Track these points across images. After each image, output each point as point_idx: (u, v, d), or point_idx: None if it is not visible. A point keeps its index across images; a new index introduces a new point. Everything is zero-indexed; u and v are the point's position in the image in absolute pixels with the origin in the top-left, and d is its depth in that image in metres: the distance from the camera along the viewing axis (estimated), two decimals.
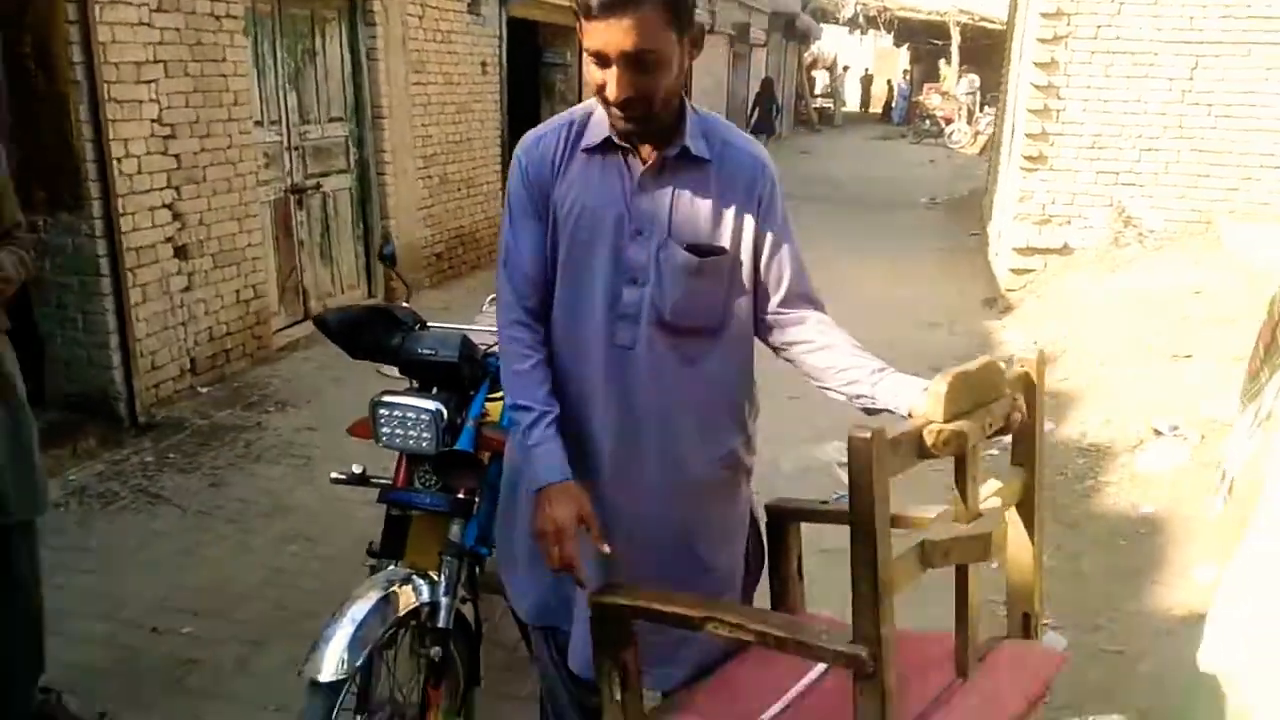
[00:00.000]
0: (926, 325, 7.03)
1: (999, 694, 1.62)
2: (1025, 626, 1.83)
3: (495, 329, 1.98)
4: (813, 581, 2.16)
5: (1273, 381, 3.40)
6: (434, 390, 2.43)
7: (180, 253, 5.19)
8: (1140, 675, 2.86)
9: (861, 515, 1.34)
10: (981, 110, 24.66)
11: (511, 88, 9.19)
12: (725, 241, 1.80)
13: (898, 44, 35.19)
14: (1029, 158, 7.68)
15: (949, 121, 26.29)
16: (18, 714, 2.56)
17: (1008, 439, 1.76)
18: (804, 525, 2.08)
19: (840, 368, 1.79)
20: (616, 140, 1.76)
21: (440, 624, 2.20)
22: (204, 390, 5.32)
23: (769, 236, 1.83)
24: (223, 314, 5.58)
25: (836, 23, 31.87)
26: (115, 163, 4.67)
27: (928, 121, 27.86)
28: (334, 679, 1.96)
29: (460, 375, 2.42)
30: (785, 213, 1.87)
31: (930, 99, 29.44)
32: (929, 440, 1.47)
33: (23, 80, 4.48)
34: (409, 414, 2.34)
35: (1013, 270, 7.96)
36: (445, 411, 2.34)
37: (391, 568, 2.29)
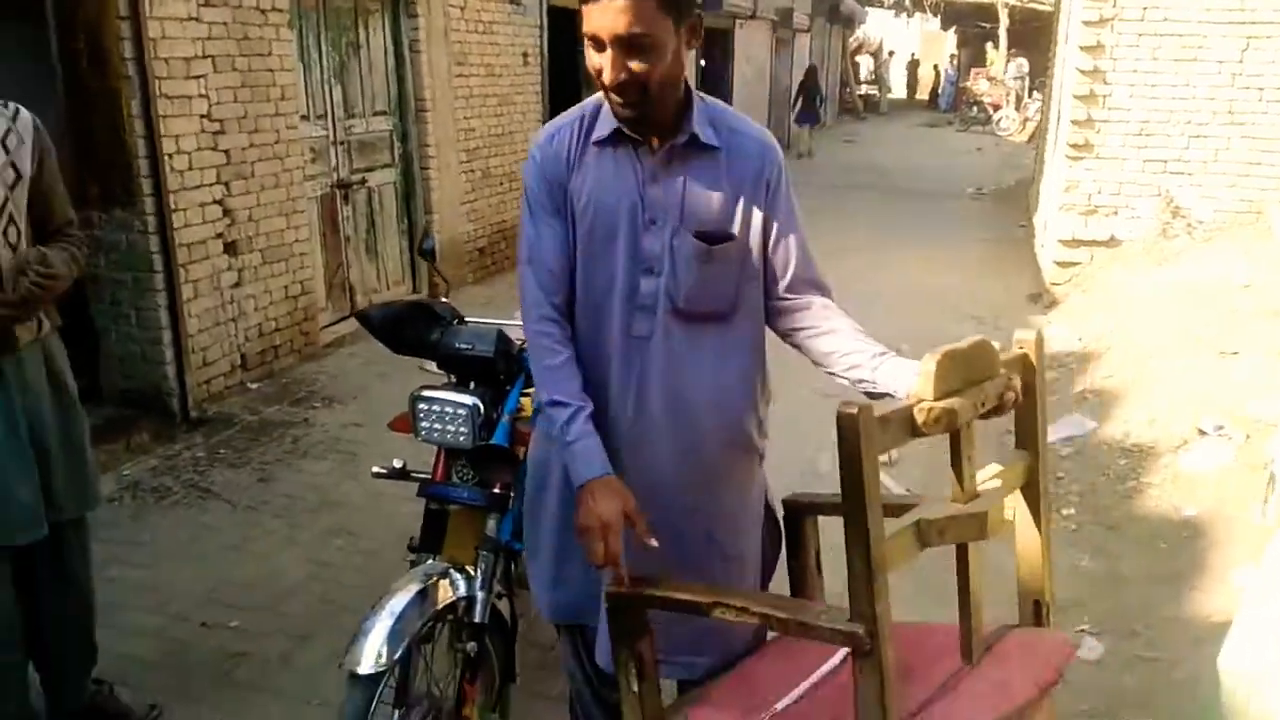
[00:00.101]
0: (969, 319, 6.96)
1: (1008, 681, 1.62)
2: (1037, 614, 1.83)
3: None
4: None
5: None
6: (471, 385, 2.48)
7: (230, 249, 5.29)
8: (1176, 683, 2.83)
9: (851, 491, 1.36)
10: (1031, 96, 24.23)
11: (553, 78, 9.22)
12: (735, 227, 1.82)
13: (945, 27, 34.72)
14: (1075, 145, 7.54)
15: (997, 108, 25.89)
16: (71, 705, 2.65)
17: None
18: (825, 521, 2.09)
19: (843, 352, 1.82)
20: (625, 131, 1.78)
21: (476, 618, 2.24)
22: (253, 386, 5.43)
23: (776, 222, 1.86)
24: (271, 310, 5.68)
25: (882, 6, 31.49)
26: (167, 158, 4.76)
27: (975, 108, 27.48)
28: (373, 671, 2.01)
29: (496, 370, 2.46)
30: (793, 199, 1.90)
31: (978, 84, 29.01)
32: (919, 418, 1.49)
33: (76, 78, 4.59)
34: (446, 409, 2.40)
35: (1058, 263, 7.83)
36: (481, 406, 2.39)
37: (430, 562, 2.34)
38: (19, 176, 2.27)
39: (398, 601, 2.11)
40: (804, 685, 1.68)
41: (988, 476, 1.66)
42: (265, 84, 5.48)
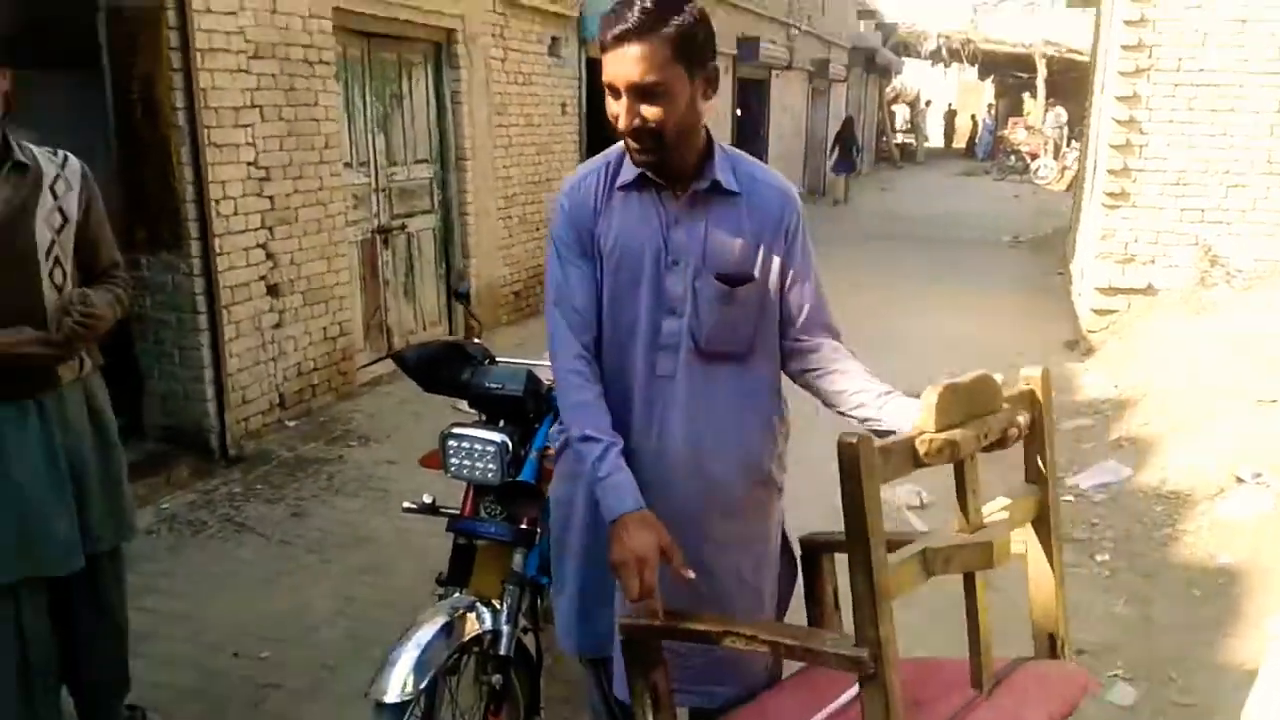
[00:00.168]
0: (1004, 366, 6.88)
1: (1019, 712, 1.62)
2: (1052, 648, 1.83)
3: None
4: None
5: None
6: (500, 423, 2.53)
7: (272, 291, 5.43)
8: None
9: (853, 519, 1.39)
10: (1069, 145, 24.20)
11: (590, 128, 9.39)
12: (756, 270, 1.88)
13: (982, 77, 34.85)
14: (1111, 194, 7.53)
15: (1034, 157, 25.88)
16: None
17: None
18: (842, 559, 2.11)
19: (852, 391, 1.88)
20: (650, 175, 1.84)
21: (502, 651, 2.26)
22: (291, 424, 5.53)
23: (793, 267, 1.91)
24: (310, 350, 5.80)
25: (918, 56, 31.71)
26: (213, 204, 4.91)
27: (1012, 157, 27.46)
28: (398, 700, 2.03)
29: (525, 409, 2.51)
30: (809, 245, 1.95)
31: (1015, 133, 29.02)
32: (921, 449, 1.52)
33: (129, 126, 4.76)
34: (476, 445, 2.44)
35: (1095, 311, 7.78)
36: (510, 444, 2.43)
37: (456, 595, 2.38)
38: (66, 221, 2.37)
39: (424, 633, 2.15)
40: (821, 715, 1.69)
41: (996, 509, 1.68)
42: (310, 133, 5.65)
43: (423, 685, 2.08)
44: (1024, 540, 1.77)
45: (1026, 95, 31.16)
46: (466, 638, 2.22)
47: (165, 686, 3.04)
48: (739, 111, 15.21)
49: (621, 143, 1.87)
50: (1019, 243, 14.12)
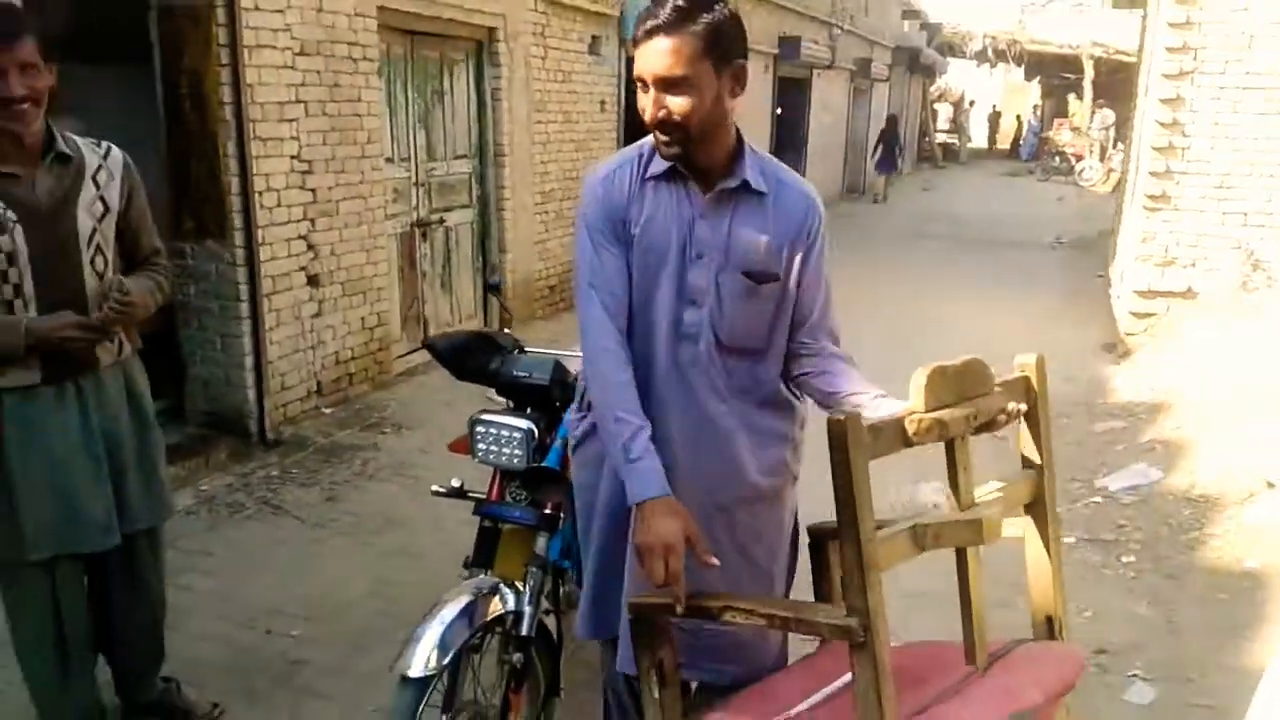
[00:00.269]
0: None
1: (1013, 687, 1.66)
2: (1050, 629, 1.87)
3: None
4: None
5: None
6: (527, 410, 2.60)
7: (312, 281, 5.55)
8: None
9: (843, 492, 1.44)
10: (1115, 147, 23.86)
11: (629, 125, 9.45)
12: (779, 269, 1.93)
13: (1028, 78, 34.41)
14: (1152, 197, 7.46)
15: (1079, 158, 25.53)
16: (141, 700, 2.82)
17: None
18: None
19: (847, 392, 1.92)
20: (680, 168, 1.89)
21: (523, 632, 2.33)
22: (327, 411, 5.66)
23: (810, 272, 1.97)
24: (349, 340, 5.92)
25: (963, 56, 31.41)
26: (257, 196, 5.03)
27: (1057, 158, 27.13)
28: (422, 674, 2.11)
29: (551, 397, 2.58)
30: (826, 252, 2.00)
31: (1061, 135, 28.66)
32: (910, 429, 1.58)
33: (178, 119, 4.90)
34: (503, 432, 2.52)
35: (1133, 314, 7.71)
36: (536, 430, 2.50)
37: (481, 576, 2.45)
38: (107, 210, 2.45)
39: (449, 611, 2.22)
40: (821, 694, 1.74)
41: (989, 492, 1.73)
42: (353, 128, 5.76)
43: (446, 661, 2.15)
44: (1024, 527, 1.81)
45: (1071, 96, 30.72)
46: (489, 617, 2.29)
47: (199, 661, 3.15)
48: (779, 110, 15.18)
49: (651, 135, 1.91)
50: (1060, 245, 13.97)
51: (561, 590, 2.72)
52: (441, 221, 7.04)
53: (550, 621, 2.53)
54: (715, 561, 1.77)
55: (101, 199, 2.44)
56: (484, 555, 2.55)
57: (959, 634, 1.73)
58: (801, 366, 2.02)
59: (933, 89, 31.84)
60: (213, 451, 4.89)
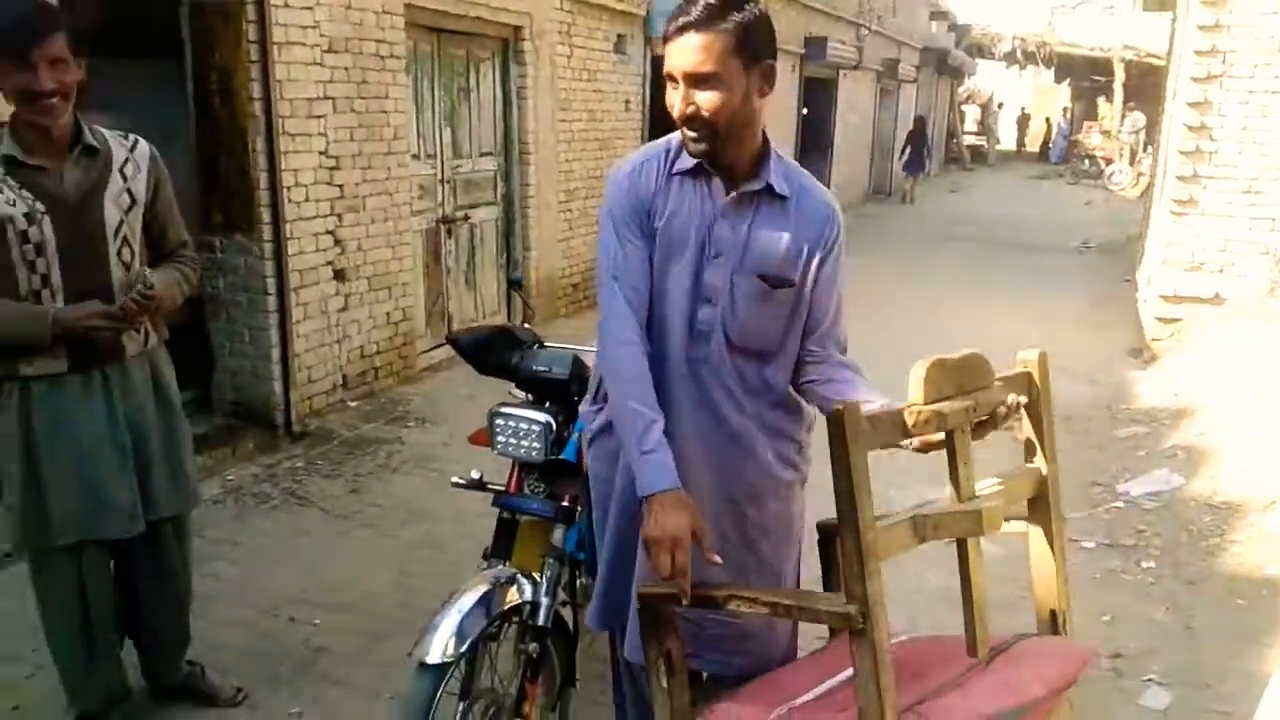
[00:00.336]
0: (1063, 372, 6.85)
1: (1015, 680, 1.68)
2: (1054, 624, 1.88)
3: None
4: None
5: None
6: (546, 404, 2.64)
7: (339, 276, 5.62)
8: None
9: (842, 482, 1.47)
10: (1146, 150, 23.63)
11: (653, 124, 9.48)
12: (795, 275, 1.94)
13: (1058, 80, 34.14)
14: (1179, 201, 7.40)
15: (1109, 162, 25.32)
16: (166, 682, 2.89)
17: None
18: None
19: (853, 400, 1.90)
20: (706, 166, 1.91)
21: (540, 622, 2.36)
22: (352, 404, 5.72)
23: (825, 280, 1.98)
24: (374, 334, 5.98)
25: (992, 58, 31.20)
26: (285, 190, 5.10)
27: (1087, 162, 26.92)
28: (440, 661, 2.14)
29: (570, 391, 2.62)
30: (841, 262, 2.01)
31: (1090, 138, 28.42)
32: (909, 420, 1.60)
33: (208, 114, 4.98)
34: (521, 425, 2.56)
35: (1159, 319, 7.66)
36: (554, 424, 2.54)
37: (499, 567, 2.49)
38: (134, 202, 2.49)
39: (466, 600, 2.25)
40: (825, 685, 1.77)
41: (990, 486, 1.75)
42: (380, 125, 5.83)
43: (463, 649, 2.17)
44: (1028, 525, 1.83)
45: (1101, 99, 30.44)
46: (506, 607, 2.31)
47: (224, 646, 3.20)
48: (804, 110, 15.16)
49: (680, 132, 1.93)
50: (1088, 249, 13.87)
51: (578, 582, 2.75)
52: (466, 218, 7.10)
53: (567, 613, 2.57)
54: (718, 560, 1.78)
55: (128, 191, 2.48)
56: (502, 546, 2.59)
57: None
58: (808, 374, 2.03)
59: (961, 90, 31.64)
60: (239, 442, 4.96)
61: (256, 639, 3.32)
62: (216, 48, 4.86)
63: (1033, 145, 36.08)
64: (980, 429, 1.73)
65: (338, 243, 5.58)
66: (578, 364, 2.63)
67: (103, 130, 2.50)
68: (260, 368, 5.18)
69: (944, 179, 24.97)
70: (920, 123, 19.99)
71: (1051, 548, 1.90)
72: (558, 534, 2.45)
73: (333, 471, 4.82)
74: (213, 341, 5.22)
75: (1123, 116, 26.51)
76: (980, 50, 30.16)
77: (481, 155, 7.21)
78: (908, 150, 19.55)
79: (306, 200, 5.31)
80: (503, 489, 2.64)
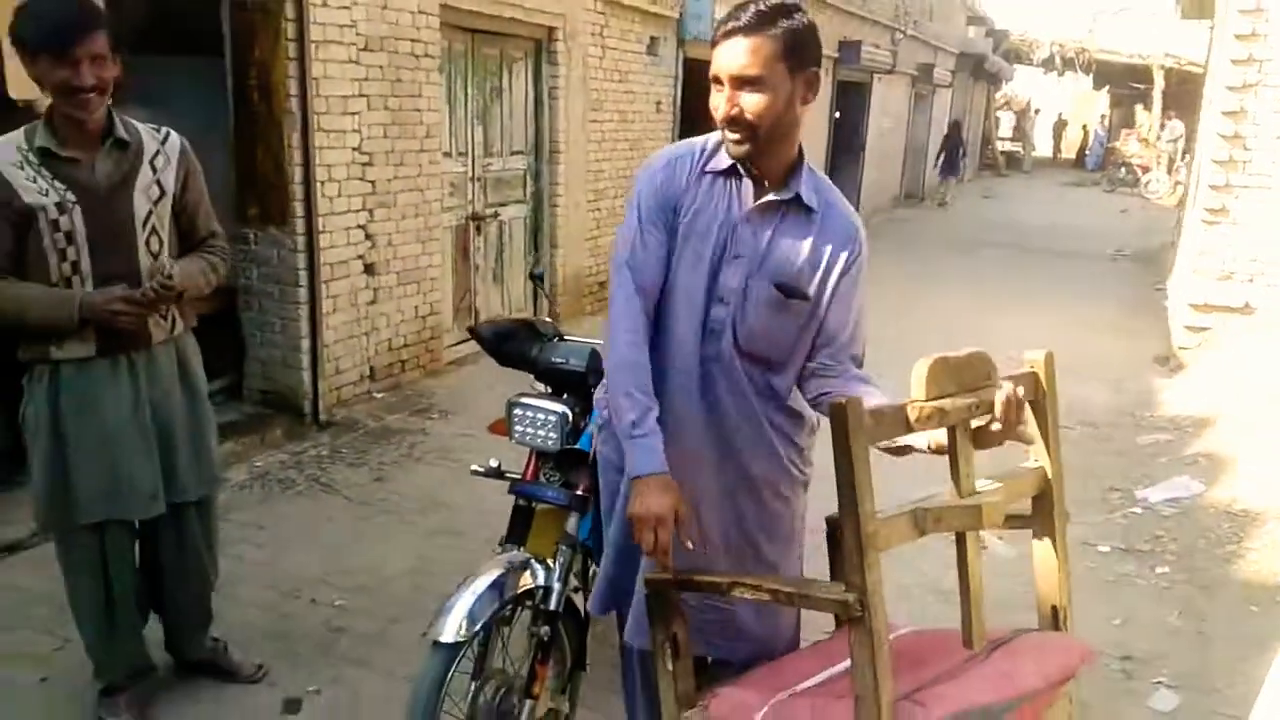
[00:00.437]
0: (1090, 379, 6.83)
1: (1013, 672, 1.72)
2: (1055, 620, 1.92)
3: None
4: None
5: None
6: (564, 395, 2.71)
7: (369, 269, 5.72)
8: None
9: (843, 473, 1.51)
10: (1183, 159, 23.34)
11: (684, 126, 9.53)
12: (812, 289, 1.98)
13: (1096, 87, 33.76)
14: (1211, 210, 7.35)
15: (1146, 170, 25.03)
16: (190, 656, 2.99)
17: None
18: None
19: None
20: (741, 168, 1.95)
21: (551, 606, 2.42)
22: (379, 395, 5.83)
23: (844, 296, 2.00)
24: (402, 328, 6.09)
25: (1030, 64, 30.92)
26: (319, 185, 5.20)
27: (1124, 169, 26.62)
28: (453, 641, 2.21)
29: (587, 383, 2.68)
30: (862, 281, 2.03)
31: (1128, 146, 28.10)
32: (911, 415, 1.64)
33: (246, 109, 5.10)
34: (539, 415, 2.63)
35: (1188, 327, 7.60)
36: (570, 415, 2.61)
37: (514, 552, 2.56)
38: (163, 193, 2.57)
39: (481, 582, 2.32)
40: (826, 673, 1.81)
41: (993, 483, 1.78)
42: (413, 122, 5.92)
43: (476, 629, 2.24)
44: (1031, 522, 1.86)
45: (1138, 107, 30.08)
46: (520, 591, 2.38)
47: (247, 625, 3.30)
48: (837, 114, 15.14)
49: (718, 132, 1.98)
50: (1122, 256, 13.76)
51: (591, 569, 2.81)
52: (496, 216, 7.19)
53: (578, 599, 2.63)
54: (690, 545, 1.88)
55: (158, 183, 2.55)
56: (517, 532, 2.66)
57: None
58: (822, 386, 2.03)
59: (998, 96, 31.40)
60: (268, 430, 5.08)
61: (278, 619, 3.41)
62: (256, 45, 4.98)
63: (1069, 152, 35.69)
64: (994, 436, 1.75)
65: (368, 237, 5.68)
66: (595, 357, 2.69)
67: (135, 123, 2.57)
68: (290, 358, 5.29)
69: (978, 184, 24.82)
70: (955, 127, 19.93)
71: (1054, 545, 1.93)
72: (571, 522, 2.51)
73: (357, 460, 4.92)
74: (244, 331, 5.34)
75: (1161, 125, 26.20)
76: (1018, 56, 29.89)
77: (512, 154, 7.30)
78: (942, 155, 19.51)
79: (339, 195, 5.41)
80: (519, 477, 2.71)
